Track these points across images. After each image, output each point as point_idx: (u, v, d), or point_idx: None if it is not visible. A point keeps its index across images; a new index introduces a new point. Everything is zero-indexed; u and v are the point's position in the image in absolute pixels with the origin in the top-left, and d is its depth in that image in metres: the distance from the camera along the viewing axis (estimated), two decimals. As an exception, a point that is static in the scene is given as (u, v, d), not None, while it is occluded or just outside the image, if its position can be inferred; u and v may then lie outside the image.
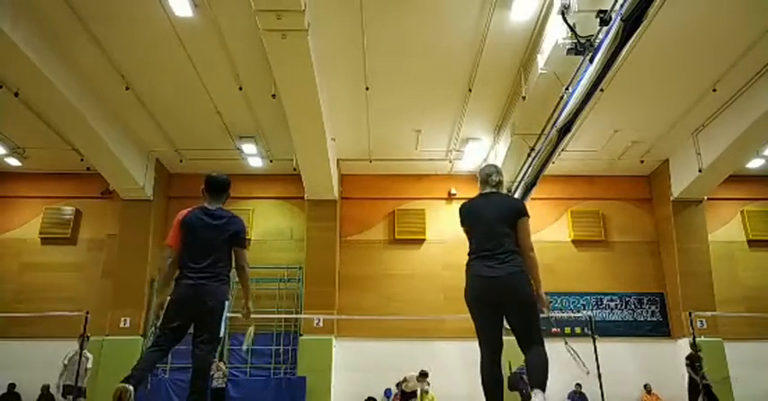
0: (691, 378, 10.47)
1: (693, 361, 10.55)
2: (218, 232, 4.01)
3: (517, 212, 3.72)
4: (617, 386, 11.70)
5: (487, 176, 3.96)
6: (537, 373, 3.41)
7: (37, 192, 14.83)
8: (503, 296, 3.52)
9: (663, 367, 13.25)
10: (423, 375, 11.11)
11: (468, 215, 3.86)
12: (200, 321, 3.87)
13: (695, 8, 8.77)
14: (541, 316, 3.63)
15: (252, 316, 4.43)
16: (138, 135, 13.02)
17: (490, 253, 3.59)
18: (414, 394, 11.22)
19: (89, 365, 10.58)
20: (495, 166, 4.07)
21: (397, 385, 11.63)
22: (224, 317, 3.92)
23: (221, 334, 3.94)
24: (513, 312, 3.54)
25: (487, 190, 3.94)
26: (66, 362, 10.44)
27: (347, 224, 14.72)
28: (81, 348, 10.39)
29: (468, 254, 3.75)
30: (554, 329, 12.59)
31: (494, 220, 3.69)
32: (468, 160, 14.21)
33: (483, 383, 3.58)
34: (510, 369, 12.12)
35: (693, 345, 10.76)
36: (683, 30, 9.26)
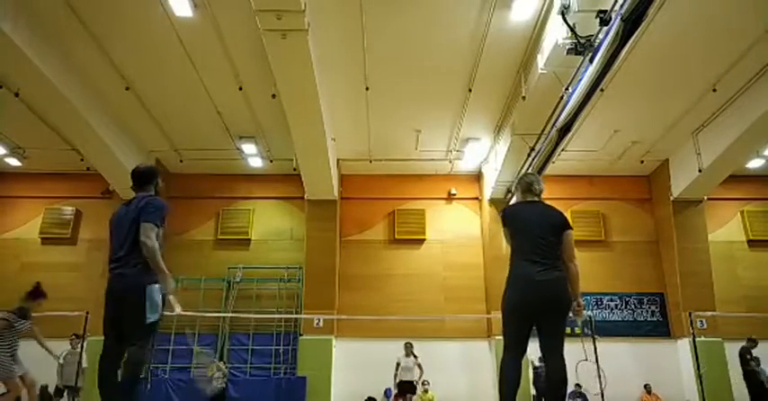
0: (746, 373, 10.42)
1: (747, 355, 10.51)
2: (129, 218, 3.87)
3: (563, 225, 3.90)
4: (617, 386, 11.71)
5: (529, 185, 4.09)
6: (558, 389, 3.61)
7: (37, 192, 14.84)
8: (546, 299, 3.64)
9: (663, 367, 13.26)
10: (408, 346, 11.11)
11: (515, 220, 3.97)
12: (125, 311, 3.71)
13: (695, 8, 8.77)
14: (575, 319, 3.85)
15: (253, 316, 4.37)
16: (138, 135, 13.03)
17: (539, 259, 3.72)
18: (411, 385, 10.97)
19: (84, 365, 10.66)
20: (536, 175, 4.19)
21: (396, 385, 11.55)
22: (148, 302, 3.69)
23: (150, 320, 3.70)
24: (550, 316, 3.66)
25: (530, 198, 4.06)
26: (62, 362, 10.51)
27: (347, 224, 14.73)
28: (82, 348, 10.44)
29: (514, 258, 3.85)
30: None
31: (542, 229, 3.82)
32: (468, 160, 14.21)
33: (502, 380, 3.65)
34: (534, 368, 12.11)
35: (750, 340, 10.75)
36: (684, 30, 9.26)
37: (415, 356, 11.09)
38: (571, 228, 3.92)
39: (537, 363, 11.99)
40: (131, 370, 3.74)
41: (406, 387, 11.01)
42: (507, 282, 3.82)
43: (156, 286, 3.75)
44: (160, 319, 3.80)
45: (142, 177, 4.15)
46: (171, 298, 4.01)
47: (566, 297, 3.70)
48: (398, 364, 11.07)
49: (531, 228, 3.84)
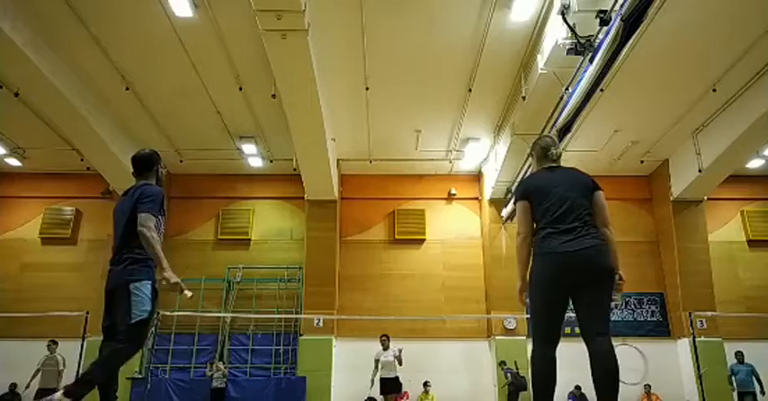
0: None
1: None
2: (124, 209, 3.69)
3: (594, 185, 3.45)
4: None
5: (545, 150, 3.60)
6: (611, 381, 2.99)
7: (37, 193, 14.84)
8: (585, 270, 3.13)
9: (663, 367, 13.24)
10: (384, 339, 10.55)
11: (537, 189, 3.43)
12: (114, 309, 3.56)
13: (695, 8, 8.77)
14: (614, 296, 3.29)
15: (253, 315, 4.12)
16: (138, 135, 13.01)
17: (571, 227, 3.22)
18: (395, 382, 10.44)
19: (61, 367, 10.80)
20: (552, 138, 3.69)
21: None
22: (134, 299, 3.46)
23: (139, 318, 3.43)
24: (592, 288, 3.13)
25: (547, 164, 3.59)
26: (38, 367, 10.76)
27: (347, 224, 14.72)
28: (81, 350, 10.50)
29: (539, 230, 3.35)
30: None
31: (570, 193, 3.33)
32: (468, 160, 14.21)
33: (541, 377, 3.11)
34: (516, 367, 12.22)
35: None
36: (683, 30, 9.26)
37: (398, 349, 10.36)
38: (601, 189, 3.45)
39: (507, 366, 12.13)
40: (90, 369, 3.39)
41: (388, 386, 10.38)
42: (534, 259, 3.30)
43: (145, 282, 3.52)
44: (151, 318, 3.53)
45: (141, 164, 3.98)
46: (173, 279, 3.53)
47: (608, 266, 3.15)
48: (377, 360, 10.47)
49: (558, 195, 3.32)
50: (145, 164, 3.99)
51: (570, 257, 3.13)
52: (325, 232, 14.01)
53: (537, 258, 3.29)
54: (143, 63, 10.50)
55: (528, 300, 3.32)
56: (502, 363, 12.46)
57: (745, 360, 11.26)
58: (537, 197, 3.40)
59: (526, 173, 11.57)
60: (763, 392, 10.70)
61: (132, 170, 4.00)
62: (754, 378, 10.90)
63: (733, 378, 11.09)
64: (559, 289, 3.18)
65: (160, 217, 3.71)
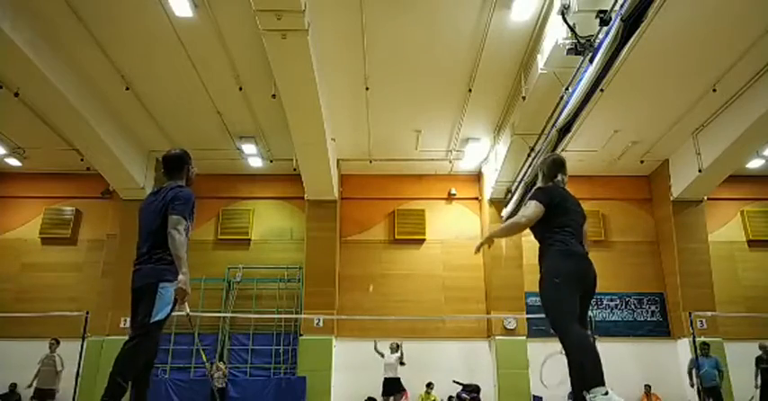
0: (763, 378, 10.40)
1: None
2: (155, 209, 3.73)
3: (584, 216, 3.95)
4: (617, 386, 11.67)
5: (552, 173, 3.93)
6: (599, 370, 3.37)
7: (37, 193, 14.84)
8: (593, 281, 3.71)
9: (663, 367, 13.26)
10: (393, 345, 11.31)
11: (561, 200, 3.80)
12: (137, 306, 3.60)
13: (695, 8, 8.77)
14: None
15: (253, 315, 4.18)
16: (138, 135, 13.02)
17: (579, 241, 3.76)
18: (396, 383, 10.97)
19: (59, 368, 10.78)
20: (562, 162, 4.00)
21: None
22: (158, 299, 3.52)
23: (157, 318, 3.49)
24: (587, 299, 3.72)
25: (558, 183, 3.93)
26: (39, 365, 10.73)
27: (347, 224, 14.72)
28: (81, 349, 10.50)
29: (558, 230, 3.70)
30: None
31: (581, 217, 3.88)
32: (468, 160, 14.21)
33: (594, 350, 3.35)
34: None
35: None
36: (683, 30, 9.26)
37: (401, 353, 11.24)
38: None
39: (463, 395, 12.17)
40: (113, 369, 3.40)
41: (389, 386, 10.98)
42: (561, 255, 3.64)
43: (170, 284, 3.56)
44: (166, 319, 3.61)
45: (170, 164, 3.97)
46: (185, 287, 3.60)
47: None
48: (381, 355, 11.30)
49: (573, 209, 3.83)
50: (175, 164, 3.99)
51: (590, 266, 3.68)
52: (325, 232, 14.01)
53: (565, 255, 3.63)
54: (143, 63, 10.51)
55: (552, 290, 3.59)
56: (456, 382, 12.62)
57: (745, 360, 11.21)
58: (557, 204, 3.77)
59: (526, 173, 11.58)
60: (721, 385, 10.62)
61: (162, 170, 4.02)
62: (717, 372, 10.69)
63: (694, 371, 10.84)
64: (582, 286, 3.61)
65: (189, 221, 3.74)
